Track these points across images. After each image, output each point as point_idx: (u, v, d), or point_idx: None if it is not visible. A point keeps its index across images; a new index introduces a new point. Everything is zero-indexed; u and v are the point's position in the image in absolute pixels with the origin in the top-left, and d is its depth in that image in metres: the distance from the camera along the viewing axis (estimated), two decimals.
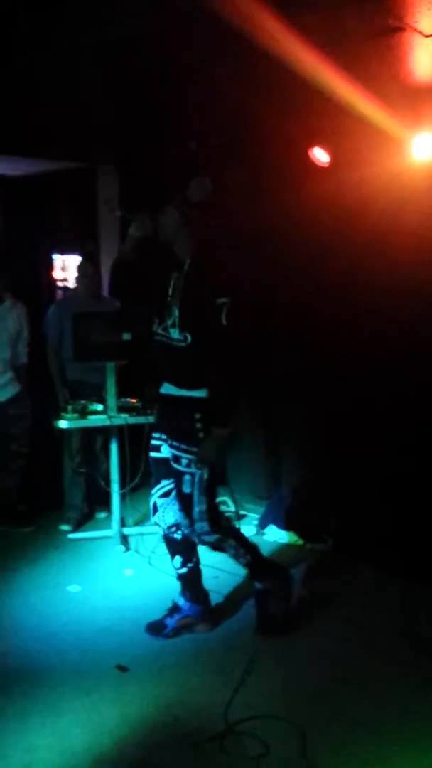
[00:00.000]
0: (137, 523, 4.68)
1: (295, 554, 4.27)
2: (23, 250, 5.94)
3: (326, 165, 4.14)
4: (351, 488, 4.27)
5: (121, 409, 4.44)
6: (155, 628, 3.34)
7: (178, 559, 3.38)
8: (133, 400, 4.54)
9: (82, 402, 4.54)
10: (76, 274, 5.16)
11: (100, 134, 4.66)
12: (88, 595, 3.78)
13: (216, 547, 3.31)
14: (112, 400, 4.42)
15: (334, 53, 2.96)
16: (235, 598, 3.68)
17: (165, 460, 3.28)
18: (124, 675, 3.02)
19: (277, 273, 4.63)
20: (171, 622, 3.35)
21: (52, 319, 4.83)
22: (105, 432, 4.70)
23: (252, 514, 4.84)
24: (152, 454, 3.38)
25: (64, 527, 4.72)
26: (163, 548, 4.32)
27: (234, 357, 3.12)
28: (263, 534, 4.55)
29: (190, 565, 3.38)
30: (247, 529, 4.64)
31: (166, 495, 3.35)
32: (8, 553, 4.35)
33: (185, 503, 3.19)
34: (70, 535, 4.63)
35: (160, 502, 3.37)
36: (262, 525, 4.58)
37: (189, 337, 3.09)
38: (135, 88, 3.66)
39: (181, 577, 3.41)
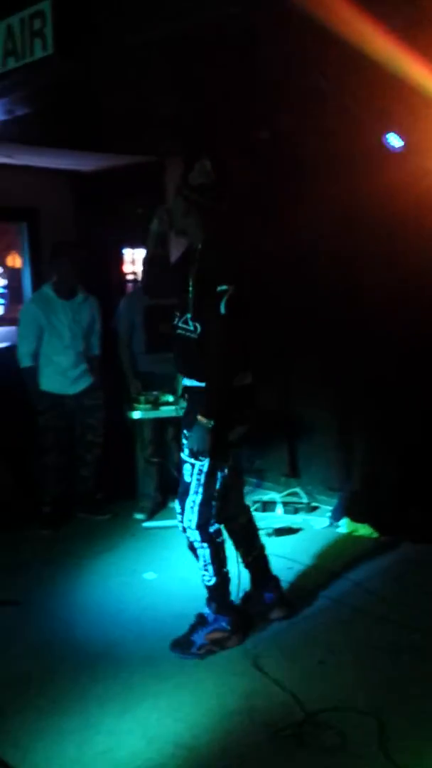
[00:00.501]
0: None
1: (371, 547, 4.23)
2: (94, 245, 6.06)
3: (400, 150, 4.06)
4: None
5: None
6: (181, 644, 3.16)
7: (210, 567, 3.20)
8: None
9: (154, 393, 4.62)
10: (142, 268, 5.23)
11: (168, 127, 4.68)
12: (164, 583, 3.85)
13: (190, 547, 3.22)
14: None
15: (410, 37, 2.89)
16: (309, 589, 3.68)
17: None
18: (201, 663, 3.06)
19: (350, 259, 4.57)
20: (199, 637, 3.16)
21: (123, 312, 4.92)
22: (176, 422, 4.78)
23: (325, 506, 4.82)
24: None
25: (138, 516, 4.82)
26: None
27: (228, 348, 3.00)
28: (337, 526, 4.52)
29: (225, 570, 3.24)
30: (320, 521, 4.63)
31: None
32: (87, 541, 4.48)
33: (184, 491, 3.16)
34: (145, 524, 4.72)
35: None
36: (336, 517, 4.55)
37: (198, 327, 3.06)
38: (205, 79, 3.67)
39: (209, 588, 3.23)
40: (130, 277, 6.88)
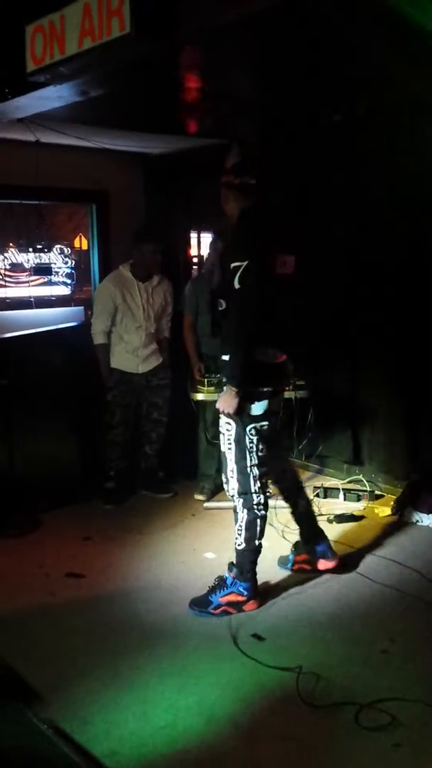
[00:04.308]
0: (270, 496, 4.71)
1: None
2: (163, 228, 6.08)
3: None
4: None
5: None
6: (199, 602, 3.36)
7: (245, 533, 3.36)
8: None
9: (218, 376, 4.62)
10: (210, 252, 5.23)
11: (241, 109, 4.64)
12: (223, 563, 3.83)
13: (234, 510, 3.41)
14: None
15: None
16: (376, 578, 3.64)
17: None
18: (261, 644, 3.07)
19: (419, 243, 4.46)
20: (216, 598, 3.35)
21: (189, 295, 4.94)
22: None
23: (388, 495, 4.75)
24: None
25: (199, 497, 4.86)
26: (295, 523, 4.38)
27: (243, 320, 3.14)
28: (400, 515, 4.44)
29: (257, 542, 3.38)
30: (383, 510, 4.56)
31: None
32: (148, 518, 4.55)
33: (223, 460, 3.38)
34: (206, 504, 4.75)
35: None
36: (400, 507, 4.47)
37: (223, 303, 3.34)
38: (280, 61, 3.62)
39: (238, 553, 3.39)
40: (196, 260, 6.89)
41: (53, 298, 7.58)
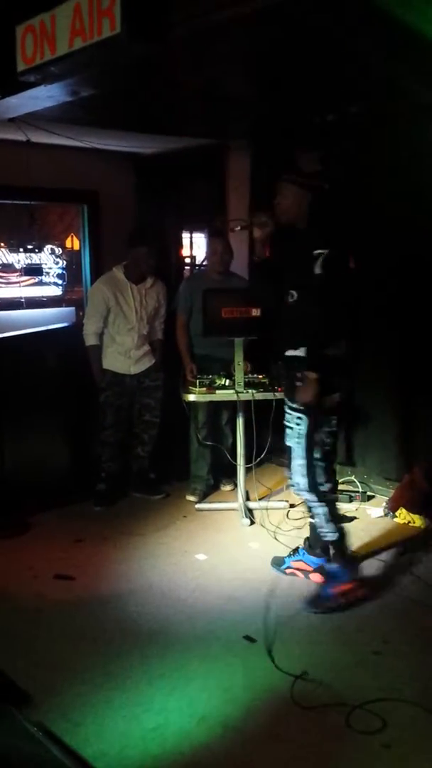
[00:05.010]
0: (261, 498, 4.72)
1: (426, 538, 4.15)
2: (155, 228, 6.07)
3: None
4: None
5: (249, 384, 4.47)
6: (312, 602, 3.36)
7: (329, 524, 3.41)
8: (261, 377, 4.56)
9: (210, 376, 4.62)
10: (206, 251, 5.22)
11: (235, 109, 4.63)
12: (215, 565, 3.87)
13: (309, 508, 3.47)
14: (240, 375, 4.46)
15: None
16: (368, 580, 3.61)
17: None
18: (252, 646, 3.06)
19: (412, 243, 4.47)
20: (328, 592, 3.38)
21: (182, 295, 4.92)
22: (231, 407, 4.78)
23: (380, 495, 4.75)
24: None
25: (191, 498, 4.85)
26: (287, 524, 4.39)
27: (325, 306, 3.16)
28: (394, 516, 4.44)
29: (341, 525, 3.46)
30: (375, 510, 4.57)
31: None
32: (140, 519, 4.53)
33: (290, 456, 3.39)
34: (197, 506, 4.74)
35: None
36: (392, 507, 4.48)
37: (295, 294, 3.28)
38: (274, 61, 3.61)
39: (332, 543, 3.44)
40: (188, 260, 6.88)
41: (44, 299, 7.57)
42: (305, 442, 3.31)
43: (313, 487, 3.35)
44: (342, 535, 3.43)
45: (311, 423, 3.30)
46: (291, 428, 3.37)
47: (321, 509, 3.38)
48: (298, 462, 3.35)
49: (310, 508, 3.48)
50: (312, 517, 3.49)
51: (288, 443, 3.39)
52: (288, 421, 3.40)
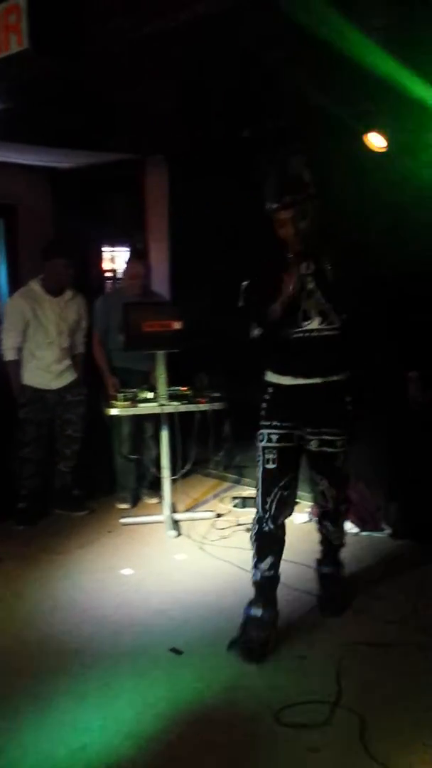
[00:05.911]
0: (188, 509, 4.73)
1: (351, 542, 4.24)
2: (73, 243, 6.03)
3: (382, 150, 4.10)
4: (413, 476, 4.22)
5: (172, 397, 4.49)
6: (339, 610, 3.46)
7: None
8: (184, 389, 4.58)
9: (133, 390, 4.61)
10: (125, 271, 5.21)
11: (151, 125, 4.67)
12: (141, 579, 3.85)
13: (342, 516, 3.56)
14: (162, 388, 4.47)
15: (392, 38, 2.92)
16: (295, 585, 3.65)
17: (295, 449, 3.21)
18: (179, 658, 3.06)
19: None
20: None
21: (100, 311, 4.92)
22: (155, 420, 4.78)
23: (305, 502, 4.83)
24: (281, 444, 3.18)
25: (122, 506, 4.87)
26: (214, 534, 4.40)
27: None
28: (316, 521, 4.52)
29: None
30: (300, 516, 4.64)
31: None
32: (63, 537, 4.45)
33: (339, 480, 3.32)
34: (122, 520, 4.71)
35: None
36: (315, 512, 4.55)
37: (339, 322, 3.06)
38: (189, 78, 3.67)
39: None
40: (109, 274, 6.86)
41: None
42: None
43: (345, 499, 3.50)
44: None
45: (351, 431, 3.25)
46: (336, 455, 3.19)
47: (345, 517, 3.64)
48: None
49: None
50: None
51: (337, 465, 3.23)
52: (334, 447, 3.18)
